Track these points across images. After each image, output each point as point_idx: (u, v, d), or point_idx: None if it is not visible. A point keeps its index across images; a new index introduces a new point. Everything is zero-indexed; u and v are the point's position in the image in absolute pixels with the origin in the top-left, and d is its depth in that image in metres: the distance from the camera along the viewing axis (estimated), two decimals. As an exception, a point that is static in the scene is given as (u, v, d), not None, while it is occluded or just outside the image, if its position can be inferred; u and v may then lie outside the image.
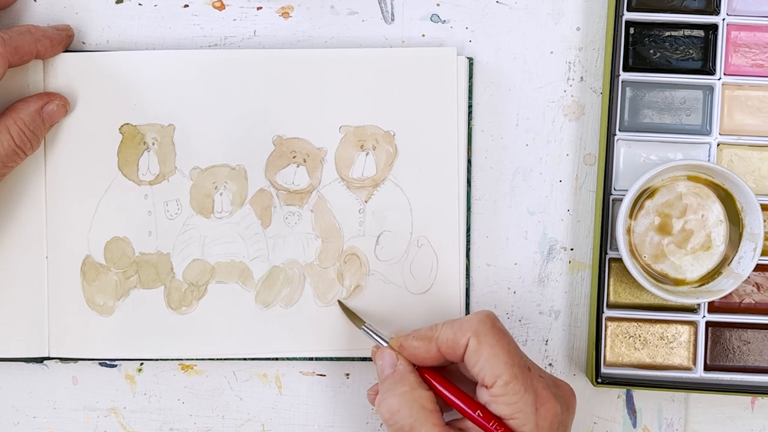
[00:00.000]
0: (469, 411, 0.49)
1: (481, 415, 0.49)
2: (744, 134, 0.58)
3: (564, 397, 0.50)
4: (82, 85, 0.57)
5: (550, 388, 0.49)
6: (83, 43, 0.58)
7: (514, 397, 0.48)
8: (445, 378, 0.51)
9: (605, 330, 0.57)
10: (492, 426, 0.48)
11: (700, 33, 0.58)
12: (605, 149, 0.57)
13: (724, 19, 0.57)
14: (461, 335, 0.49)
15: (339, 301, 0.57)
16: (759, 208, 0.55)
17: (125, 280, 0.57)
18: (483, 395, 0.49)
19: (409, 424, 0.49)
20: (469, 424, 0.49)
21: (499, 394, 0.48)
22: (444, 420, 0.50)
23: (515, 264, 0.59)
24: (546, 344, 0.59)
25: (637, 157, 0.58)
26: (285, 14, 0.59)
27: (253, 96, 0.57)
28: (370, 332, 0.54)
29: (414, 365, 0.52)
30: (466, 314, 0.58)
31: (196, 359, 0.58)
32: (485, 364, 0.48)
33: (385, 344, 0.53)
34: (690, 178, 0.57)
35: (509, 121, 0.59)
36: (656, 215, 0.57)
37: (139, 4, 0.58)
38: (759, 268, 0.57)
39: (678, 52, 0.58)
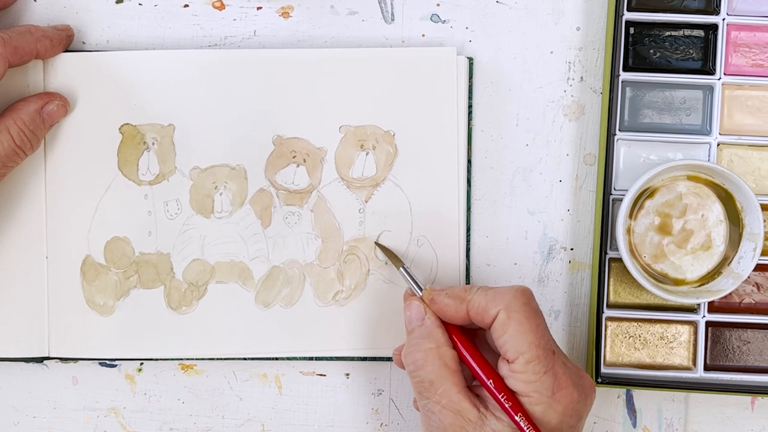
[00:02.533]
0: (483, 377, 0.49)
1: (493, 384, 0.49)
2: (744, 134, 0.58)
3: (584, 387, 0.50)
4: (82, 85, 0.57)
5: (571, 376, 0.49)
6: (83, 43, 0.58)
7: (533, 377, 0.48)
8: (469, 340, 0.51)
9: (605, 330, 0.57)
10: (501, 397, 0.48)
11: (700, 33, 0.58)
12: (605, 149, 0.57)
13: (724, 19, 0.57)
14: (492, 305, 0.49)
15: (377, 243, 0.57)
16: (759, 208, 0.55)
17: (125, 280, 0.57)
18: (503, 368, 0.49)
19: (430, 380, 0.49)
20: (486, 396, 0.49)
21: (519, 371, 0.48)
22: (465, 381, 0.50)
23: (515, 264, 0.59)
24: (546, 344, 0.59)
25: (637, 157, 0.58)
26: (285, 14, 0.59)
27: (253, 96, 0.57)
28: (407, 275, 0.54)
29: (442, 321, 0.52)
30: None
31: (196, 359, 0.58)
32: (510, 339, 0.48)
33: (418, 292, 0.53)
34: (690, 178, 0.57)
35: (509, 121, 0.59)
36: (656, 215, 0.57)
37: (139, 4, 0.58)
38: (759, 268, 0.57)
39: (678, 52, 0.58)
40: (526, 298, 0.50)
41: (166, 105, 0.57)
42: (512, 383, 0.48)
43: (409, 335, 0.52)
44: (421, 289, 0.53)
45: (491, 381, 0.49)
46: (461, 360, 0.51)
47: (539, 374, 0.48)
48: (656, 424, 0.59)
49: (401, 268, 0.55)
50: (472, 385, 0.51)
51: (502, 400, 0.48)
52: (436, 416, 0.49)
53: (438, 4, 0.59)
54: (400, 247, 0.57)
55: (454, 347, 0.51)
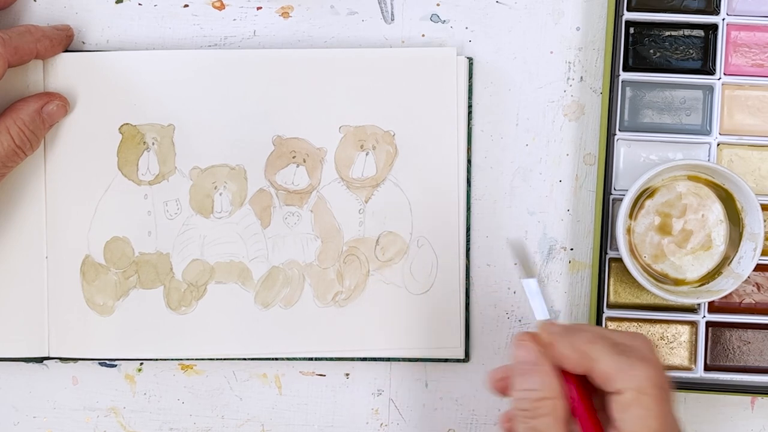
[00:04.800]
0: None
1: None
2: (744, 134, 0.57)
3: None
4: (82, 85, 0.57)
5: None
6: (83, 43, 0.58)
7: None
8: (589, 400, 0.45)
9: (605, 330, 0.57)
10: None
11: (700, 33, 0.58)
12: (605, 149, 0.57)
13: (724, 19, 0.57)
14: (620, 380, 0.43)
15: (511, 241, 0.52)
16: (759, 208, 0.55)
17: (125, 280, 0.57)
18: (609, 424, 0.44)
19: (539, 430, 0.44)
20: None
21: None
22: None
23: (515, 264, 0.59)
24: (546, 344, 0.59)
25: (637, 157, 0.58)
26: (285, 14, 0.59)
27: (253, 96, 0.57)
28: (534, 291, 0.46)
29: (560, 375, 0.45)
30: (466, 314, 0.57)
31: (196, 359, 0.58)
32: (630, 421, 0.43)
33: (538, 316, 0.46)
34: (690, 178, 0.57)
35: (509, 121, 0.59)
36: (656, 215, 0.57)
37: (139, 4, 0.58)
38: (759, 268, 0.57)
39: (678, 52, 0.58)
40: (660, 379, 0.44)
41: (166, 105, 0.57)
42: None
43: (518, 377, 0.45)
44: (545, 313, 0.46)
45: None
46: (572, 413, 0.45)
47: None
48: (656, 425, 0.59)
49: (530, 280, 0.47)
50: None
51: None
52: None
53: (438, 4, 0.59)
54: (400, 247, 0.57)
55: (570, 400, 0.45)
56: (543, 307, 0.46)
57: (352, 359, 0.58)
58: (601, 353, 0.44)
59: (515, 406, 0.45)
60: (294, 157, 0.58)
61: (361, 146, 0.58)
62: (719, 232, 0.57)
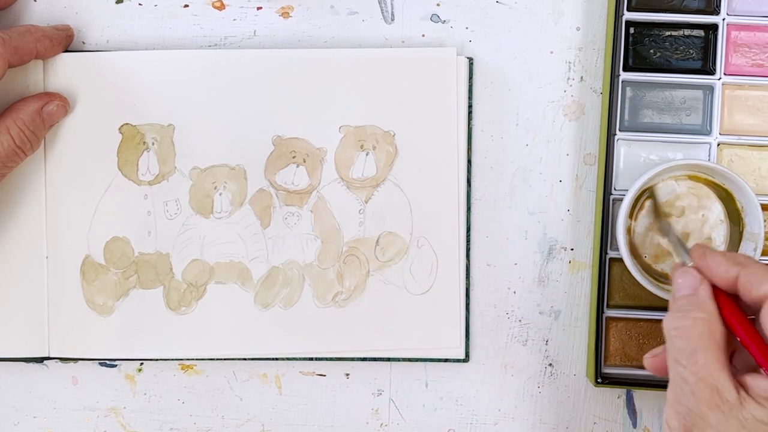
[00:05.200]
0: (762, 359, 0.44)
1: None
2: (744, 134, 0.57)
3: None
4: (82, 85, 0.57)
5: None
6: (83, 43, 0.58)
7: None
8: (747, 318, 0.46)
9: (605, 330, 0.57)
10: None
11: (700, 33, 0.58)
12: (605, 149, 0.57)
13: (724, 19, 0.57)
14: (766, 282, 0.44)
15: (650, 190, 0.55)
16: (759, 208, 0.55)
17: (125, 280, 0.57)
18: None
19: (693, 348, 0.45)
20: (751, 381, 0.44)
21: None
22: (728, 361, 0.45)
23: (515, 264, 0.59)
24: (546, 344, 0.59)
25: (637, 157, 0.58)
26: (285, 14, 0.59)
27: (253, 96, 0.57)
28: (674, 233, 0.52)
29: (715, 293, 0.47)
30: (466, 314, 0.57)
31: (196, 359, 0.58)
32: None
33: (685, 254, 0.50)
34: (690, 178, 0.57)
35: (509, 121, 0.59)
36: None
37: (139, 4, 0.59)
38: (759, 268, 0.57)
39: (678, 52, 0.58)
40: None
41: (166, 105, 0.57)
42: None
43: (675, 302, 0.47)
44: (686, 251, 0.50)
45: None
46: (731, 337, 0.46)
47: None
48: (656, 425, 0.59)
49: (669, 225, 0.52)
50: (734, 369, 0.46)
51: None
52: (689, 387, 0.45)
53: (438, 4, 0.58)
54: (400, 247, 0.57)
55: (726, 324, 0.46)
56: (684, 245, 0.51)
57: (352, 359, 0.58)
58: (751, 261, 0.46)
59: (670, 326, 0.46)
60: (294, 157, 0.58)
61: (361, 146, 0.58)
62: (719, 232, 0.57)
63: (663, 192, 0.57)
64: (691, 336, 0.45)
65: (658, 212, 0.54)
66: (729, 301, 0.46)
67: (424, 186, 0.57)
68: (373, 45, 0.58)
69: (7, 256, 0.57)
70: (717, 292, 0.47)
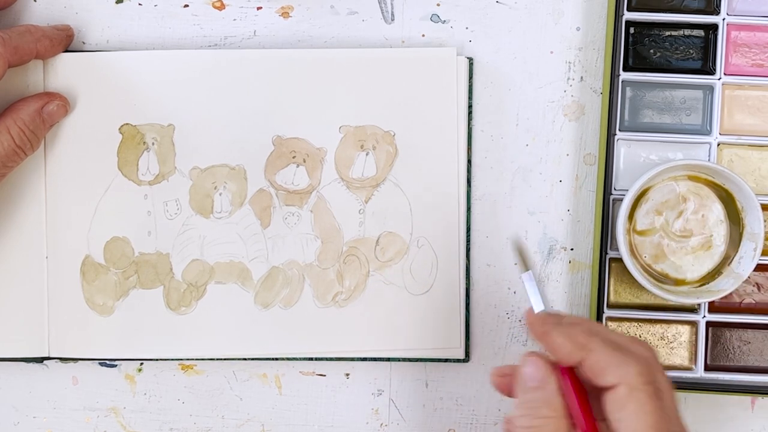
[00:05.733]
0: None
1: None
2: (744, 134, 0.57)
3: None
4: (82, 85, 0.57)
5: None
6: (83, 43, 0.58)
7: None
8: (587, 402, 0.45)
9: (605, 330, 0.57)
10: None
11: (700, 33, 0.58)
12: (605, 149, 0.57)
13: (724, 19, 0.57)
14: (611, 374, 0.43)
15: (510, 237, 0.53)
16: (759, 208, 0.55)
17: (125, 280, 0.57)
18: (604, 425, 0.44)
19: None
20: None
21: None
22: None
23: (515, 264, 0.59)
24: (546, 344, 0.59)
25: (637, 157, 0.58)
26: (285, 14, 0.59)
27: (253, 96, 0.57)
28: (531, 285, 0.47)
29: (557, 373, 0.45)
30: (466, 314, 0.57)
31: (196, 359, 0.58)
32: (626, 419, 0.42)
33: (535, 307, 0.47)
34: (690, 178, 0.57)
35: (509, 121, 0.59)
36: (656, 215, 0.57)
37: (139, 4, 0.59)
38: (759, 268, 0.56)
39: (678, 52, 0.58)
40: (650, 375, 0.43)
41: (166, 105, 0.57)
42: None
43: (524, 394, 0.45)
44: (537, 303, 0.47)
45: None
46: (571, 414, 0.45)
47: None
48: (656, 425, 0.59)
49: (527, 274, 0.48)
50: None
51: None
52: None
53: (438, 4, 0.58)
54: (400, 247, 0.57)
55: (564, 395, 0.45)
56: (539, 299, 0.47)
57: (352, 359, 0.58)
58: (597, 345, 0.44)
59: (518, 423, 0.45)
60: (294, 157, 0.58)
61: (361, 146, 0.58)
62: (719, 232, 0.57)
63: (663, 192, 0.57)
64: None
65: (523, 257, 0.49)
66: (576, 385, 0.45)
67: (424, 186, 0.57)
68: (373, 45, 0.58)
69: (7, 256, 0.57)
70: (564, 371, 0.45)
